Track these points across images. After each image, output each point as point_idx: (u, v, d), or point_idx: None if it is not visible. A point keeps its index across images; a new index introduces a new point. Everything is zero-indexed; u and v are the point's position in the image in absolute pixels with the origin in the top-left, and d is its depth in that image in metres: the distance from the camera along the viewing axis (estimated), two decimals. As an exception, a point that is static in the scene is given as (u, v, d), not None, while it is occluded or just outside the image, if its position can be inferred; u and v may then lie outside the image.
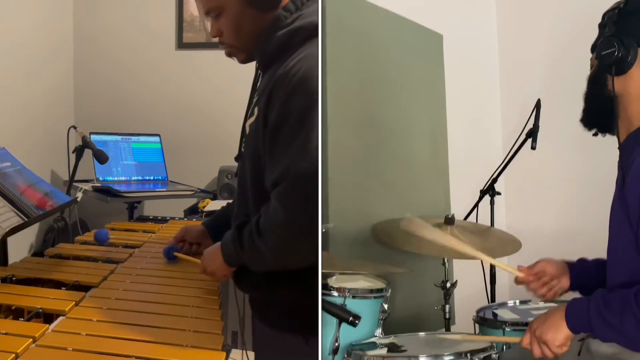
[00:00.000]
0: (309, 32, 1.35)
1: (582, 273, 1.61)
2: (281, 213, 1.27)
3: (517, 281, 1.66)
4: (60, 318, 1.40)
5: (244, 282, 1.52)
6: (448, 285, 2.16)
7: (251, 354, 1.90)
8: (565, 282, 1.61)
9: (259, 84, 1.51)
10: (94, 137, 3.14)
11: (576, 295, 1.57)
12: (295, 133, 1.27)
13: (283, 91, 1.29)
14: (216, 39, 1.48)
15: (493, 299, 2.35)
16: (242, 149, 1.49)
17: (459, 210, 2.42)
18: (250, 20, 1.40)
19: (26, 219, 1.84)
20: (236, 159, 1.54)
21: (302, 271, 1.35)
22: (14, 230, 1.78)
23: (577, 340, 1.44)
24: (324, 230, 1.64)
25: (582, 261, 1.64)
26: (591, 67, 1.50)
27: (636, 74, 1.39)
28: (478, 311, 2.03)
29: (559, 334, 1.33)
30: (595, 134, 1.51)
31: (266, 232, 1.32)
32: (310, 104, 1.26)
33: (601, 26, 1.47)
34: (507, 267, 1.70)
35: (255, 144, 1.38)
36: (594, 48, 1.49)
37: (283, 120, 1.29)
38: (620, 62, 1.39)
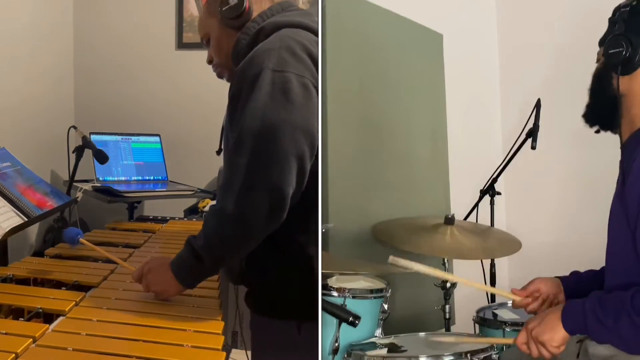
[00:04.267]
0: (268, 31, 1.46)
1: (576, 287, 1.59)
2: (236, 171, 1.31)
3: (515, 305, 1.66)
4: (60, 318, 1.40)
5: (241, 275, 1.53)
6: (448, 285, 2.16)
7: (251, 354, 1.90)
8: (561, 298, 1.59)
9: None
10: (94, 137, 3.13)
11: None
12: (244, 102, 1.35)
13: (236, 74, 1.42)
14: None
15: (493, 299, 2.35)
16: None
17: (459, 210, 2.42)
18: (227, 38, 1.56)
19: (26, 219, 1.84)
20: (217, 152, 1.66)
21: (301, 266, 1.36)
22: (14, 230, 1.78)
23: (575, 342, 1.43)
24: (324, 230, 1.64)
25: (575, 274, 1.62)
26: (597, 61, 1.48)
27: None
28: (478, 311, 2.03)
29: (556, 335, 1.33)
30: (597, 131, 1.49)
31: (223, 200, 1.34)
32: (257, 74, 1.34)
33: (611, 21, 1.44)
34: (502, 293, 1.69)
35: (226, 136, 1.47)
36: (602, 42, 1.46)
37: (235, 94, 1.39)
38: (627, 62, 1.37)
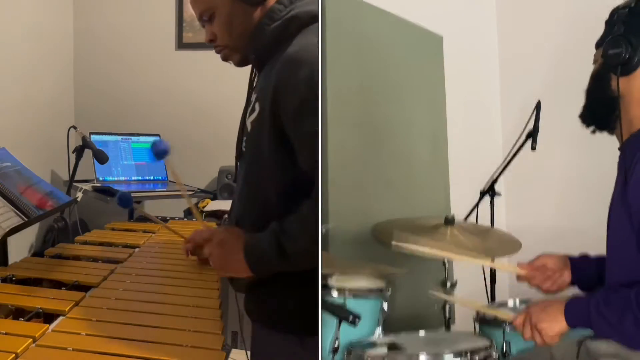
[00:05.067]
0: (304, 21, 1.30)
1: (582, 267, 1.60)
2: None
3: (520, 278, 1.66)
4: (60, 318, 1.40)
5: (242, 282, 1.51)
6: (448, 285, 2.16)
7: (251, 354, 1.90)
8: (567, 275, 1.60)
9: (255, 81, 1.47)
10: (94, 137, 3.14)
11: (576, 290, 1.58)
12: (313, 115, 1.22)
13: (300, 77, 1.23)
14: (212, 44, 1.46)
15: (493, 298, 2.35)
16: (244, 148, 1.43)
17: (459, 210, 2.41)
18: (241, 15, 1.37)
19: (26, 219, 1.84)
20: (237, 157, 1.49)
21: (301, 271, 1.35)
22: (14, 230, 1.78)
23: (576, 342, 1.44)
24: (324, 230, 1.63)
25: (583, 256, 1.63)
26: (594, 62, 1.48)
27: None
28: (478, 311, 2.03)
29: (555, 326, 1.35)
30: (593, 131, 1.50)
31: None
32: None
33: (608, 23, 1.44)
34: (507, 267, 1.70)
35: (259, 140, 1.32)
36: (599, 44, 1.46)
37: (306, 100, 1.23)
38: (626, 64, 1.37)
